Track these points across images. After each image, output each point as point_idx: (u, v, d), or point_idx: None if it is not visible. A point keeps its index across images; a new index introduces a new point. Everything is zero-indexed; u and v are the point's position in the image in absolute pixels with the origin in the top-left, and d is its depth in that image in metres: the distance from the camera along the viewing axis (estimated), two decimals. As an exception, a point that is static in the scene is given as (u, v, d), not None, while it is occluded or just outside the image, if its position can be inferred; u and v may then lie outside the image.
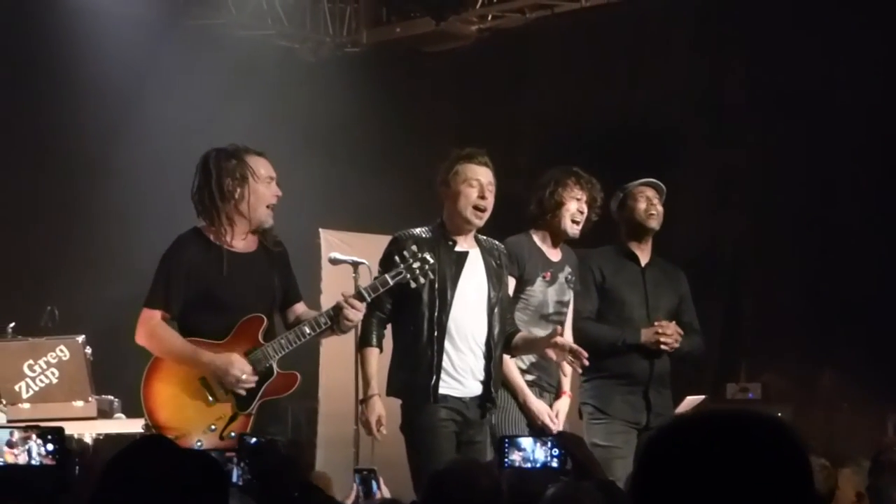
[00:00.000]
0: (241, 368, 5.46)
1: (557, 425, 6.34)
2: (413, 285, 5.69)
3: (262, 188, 5.56)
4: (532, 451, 4.31)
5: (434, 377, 5.80)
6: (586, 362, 5.91)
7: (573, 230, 6.40)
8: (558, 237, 6.46)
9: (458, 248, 5.93)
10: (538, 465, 4.27)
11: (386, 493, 4.63)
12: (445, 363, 5.82)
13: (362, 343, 5.88)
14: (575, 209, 6.38)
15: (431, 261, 5.68)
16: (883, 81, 9.35)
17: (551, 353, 6.00)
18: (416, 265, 5.66)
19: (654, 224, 6.71)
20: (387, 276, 5.65)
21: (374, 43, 11.02)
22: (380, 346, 5.88)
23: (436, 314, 5.81)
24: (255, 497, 4.04)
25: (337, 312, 5.56)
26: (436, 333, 5.81)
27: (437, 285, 5.81)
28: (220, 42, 10.30)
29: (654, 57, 10.41)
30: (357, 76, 10.68)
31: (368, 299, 5.63)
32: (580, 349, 5.92)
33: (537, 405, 6.30)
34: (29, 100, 9.42)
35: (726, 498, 1.66)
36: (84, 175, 9.51)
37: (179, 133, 9.39)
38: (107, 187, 9.40)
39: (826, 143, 9.65)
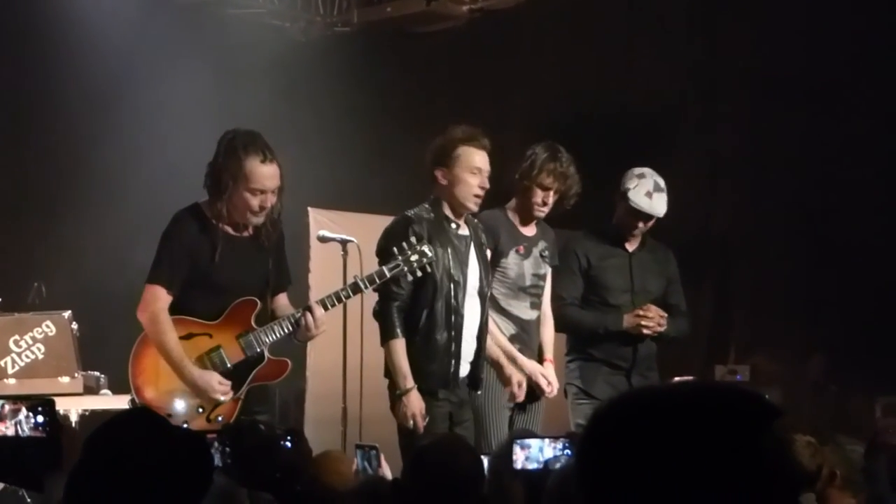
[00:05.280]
0: (221, 391, 5.45)
1: (552, 385, 6.38)
2: (409, 278, 5.67)
3: (247, 196, 5.45)
4: (541, 450, 4.30)
5: (453, 364, 5.79)
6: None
7: (538, 213, 6.40)
8: (527, 218, 6.46)
9: (461, 232, 5.92)
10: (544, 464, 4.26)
11: (386, 470, 4.61)
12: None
13: (387, 335, 5.79)
14: (540, 200, 6.35)
15: (430, 254, 5.66)
16: (882, 66, 9.33)
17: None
18: (413, 258, 5.63)
19: (634, 241, 6.75)
20: (384, 268, 5.62)
21: (364, 22, 10.96)
22: (404, 335, 5.78)
23: (452, 301, 5.79)
24: (237, 479, 4.02)
25: (297, 323, 5.53)
26: (453, 320, 5.80)
27: (451, 270, 5.79)
28: (209, 20, 10.25)
29: (648, 39, 10.37)
30: (347, 56, 10.64)
31: (365, 290, 5.62)
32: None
33: (530, 366, 6.34)
34: (16, 76, 9.36)
35: (678, 475, 1.57)
36: (72, 151, 9.47)
37: (168, 110, 9.37)
38: (94, 164, 9.36)
39: (819, 127, 9.64)
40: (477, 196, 5.86)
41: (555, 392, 6.43)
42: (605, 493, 1.61)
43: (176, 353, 5.43)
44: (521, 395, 6.23)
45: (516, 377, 6.23)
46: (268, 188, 5.47)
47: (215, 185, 5.49)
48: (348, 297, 5.67)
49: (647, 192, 6.58)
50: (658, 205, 6.58)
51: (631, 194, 6.58)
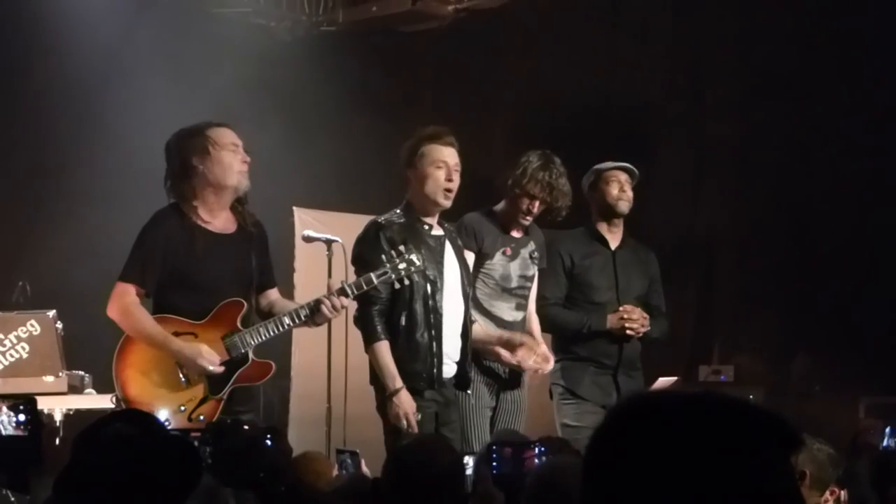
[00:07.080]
0: (209, 360, 5.45)
1: (549, 360, 6.37)
2: (397, 286, 5.68)
3: (227, 155, 5.52)
4: (519, 454, 4.31)
5: (436, 364, 5.79)
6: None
7: (522, 220, 6.41)
8: (512, 223, 6.46)
9: (434, 233, 5.93)
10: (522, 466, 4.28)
11: (367, 474, 4.62)
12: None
13: (370, 339, 5.79)
14: (525, 208, 6.36)
15: (418, 263, 5.67)
16: (864, 64, 9.36)
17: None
18: (401, 266, 5.64)
19: (625, 209, 6.74)
20: (372, 275, 5.63)
21: (350, 22, 10.95)
22: (387, 337, 5.78)
23: (430, 301, 5.80)
24: (221, 479, 4.03)
25: (317, 307, 5.55)
26: (432, 319, 5.80)
27: (427, 272, 5.79)
28: (195, 19, 10.23)
29: (632, 38, 10.39)
30: (333, 55, 10.63)
31: (352, 296, 5.63)
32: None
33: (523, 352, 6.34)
34: (1, 74, 9.32)
35: (686, 487, 1.55)
36: (56, 150, 9.44)
37: (153, 109, 9.33)
38: (79, 162, 9.34)
39: (803, 127, 9.66)
40: (446, 190, 5.84)
41: (551, 365, 6.41)
42: (612, 497, 1.60)
43: (157, 333, 5.45)
44: (538, 366, 6.30)
45: (518, 340, 6.26)
46: (238, 143, 5.57)
47: (184, 174, 5.51)
48: None
49: (607, 162, 6.73)
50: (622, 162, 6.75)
51: (600, 167, 6.72)
